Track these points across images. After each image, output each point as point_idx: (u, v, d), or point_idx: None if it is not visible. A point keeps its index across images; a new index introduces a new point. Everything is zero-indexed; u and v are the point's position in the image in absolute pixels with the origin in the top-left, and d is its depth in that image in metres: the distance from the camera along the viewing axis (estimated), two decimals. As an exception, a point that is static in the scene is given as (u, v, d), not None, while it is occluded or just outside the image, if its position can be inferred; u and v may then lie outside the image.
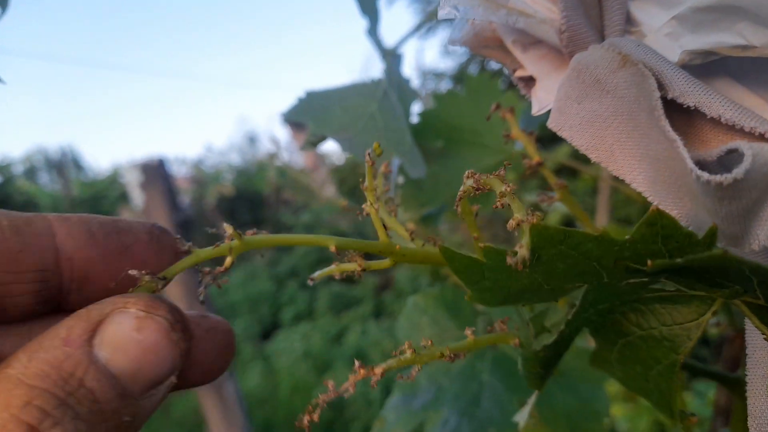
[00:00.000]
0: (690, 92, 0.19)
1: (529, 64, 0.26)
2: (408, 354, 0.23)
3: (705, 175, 0.16)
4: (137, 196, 2.82)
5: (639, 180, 0.21)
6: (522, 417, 0.32)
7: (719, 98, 0.19)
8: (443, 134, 0.61)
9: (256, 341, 4.63)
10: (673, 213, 0.19)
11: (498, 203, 0.20)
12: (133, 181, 2.80)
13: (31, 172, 7.80)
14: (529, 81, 0.28)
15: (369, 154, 0.27)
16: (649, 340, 0.24)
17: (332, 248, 0.26)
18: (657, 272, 0.18)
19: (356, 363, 0.22)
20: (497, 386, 0.49)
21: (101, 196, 7.10)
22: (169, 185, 2.77)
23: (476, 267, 0.20)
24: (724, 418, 0.73)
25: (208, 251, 0.24)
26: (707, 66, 0.24)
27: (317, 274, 0.30)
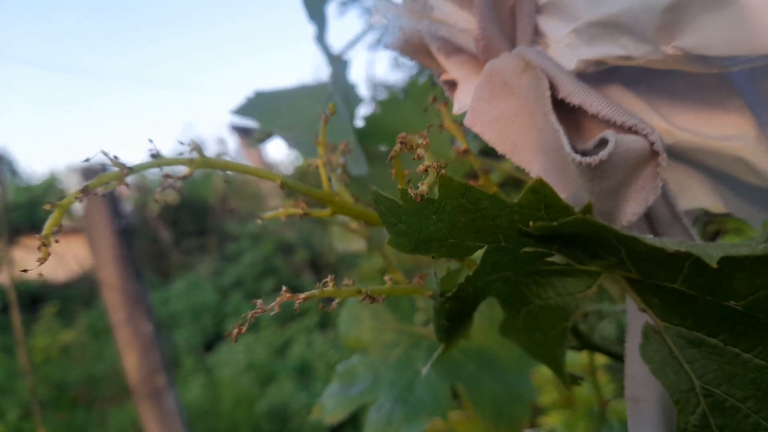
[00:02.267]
0: (575, 93, 0.23)
1: (452, 69, 0.30)
2: (330, 286, 0.26)
3: (578, 158, 0.20)
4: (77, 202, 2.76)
5: (536, 169, 0.25)
6: (426, 369, 0.35)
7: (598, 98, 0.22)
8: (386, 138, 0.64)
9: (198, 353, 4.56)
10: (562, 196, 0.23)
11: (416, 155, 0.23)
12: (72, 186, 2.75)
13: (-45, 176, 7.51)
14: (452, 84, 0.31)
15: (325, 113, 0.30)
16: (546, 309, 0.28)
17: (278, 183, 0.29)
18: (545, 238, 0.22)
19: (283, 288, 0.25)
20: (430, 374, 0.53)
21: (37, 201, 6.90)
22: (110, 192, 2.73)
23: (395, 208, 0.23)
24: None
25: (173, 159, 0.27)
26: (602, 74, 0.28)
27: (267, 214, 0.32)
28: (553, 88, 0.23)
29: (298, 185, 0.30)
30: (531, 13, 0.28)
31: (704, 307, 0.22)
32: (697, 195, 0.29)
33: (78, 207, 2.75)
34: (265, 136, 0.49)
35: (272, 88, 0.54)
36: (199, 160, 0.28)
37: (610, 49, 0.25)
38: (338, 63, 0.60)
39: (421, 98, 0.65)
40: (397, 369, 0.55)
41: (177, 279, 5.91)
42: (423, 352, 0.56)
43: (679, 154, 0.28)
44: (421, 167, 0.23)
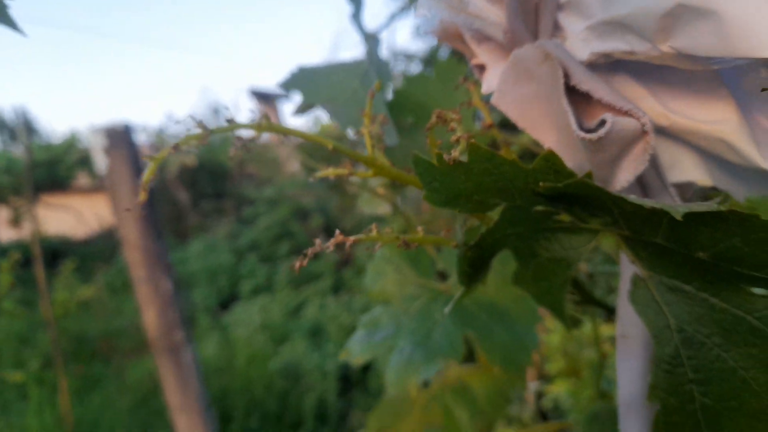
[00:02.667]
0: (584, 81, 0.28)
1: (482, 54, 0.35)
2: (374, 232, 0.31)
3: (581, 134, 0.25)
4: (101, 161, 2.83)
5: (549, 142, 0.30)
6: (448, 308, 0.41)
7: (602, 86, 0.28)
8: (413, 111, 0.70)
9: (213, 311, 4.66)
10: (568, 165, 0.28)
11: (449, 128, 0.29)
12: (96, 146, 2.81)
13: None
14: (481, 68, 0.37)
15: (373, 89, 0.35)
16: (553, 260, 0.33)
17: (330, 147, 0.34)
18: (553, 198, 0.27)
19: (337, 231, 0.30)
20: (447, 323, 0.59)
21: (58, 160, 7.00)
22: (133, 151, 2.79)
23: (431, 169, 0.28)
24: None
25: (244, 124, 0.32)
26: (611, 65, 0.33)
27: (318, 173, 0.35)
28: (566, 76, 0.29)
29: (346, 150, 0.35)
30: (552, 10, 0.33)
31: (680, 259, 0.28)
32: (687, 169, 0.34)
33: (102, 165, 2.82)
34: (308, 107, 0.55)
35: (313, 64, 0.59)
36: (266, 125, 0.34)
37: (617, 45, 0.30)
38: (372, 41, 0.65)
39: (447, 75, 0.70)
40: (417, 319, 0.61)
41: (194, 240, 6.01)
42: (441, 305, 0.62)
43: (673, 135, 0.33)
44: (454, 137, 0.28)
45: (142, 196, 0.32)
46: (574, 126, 0.26)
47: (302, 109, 0.54)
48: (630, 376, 0.31)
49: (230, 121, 0.32)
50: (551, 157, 0.25)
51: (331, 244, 0.30)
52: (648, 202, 0.23)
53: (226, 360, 3.80)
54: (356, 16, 0.63)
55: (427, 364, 0.54)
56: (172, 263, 2.88)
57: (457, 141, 0.28)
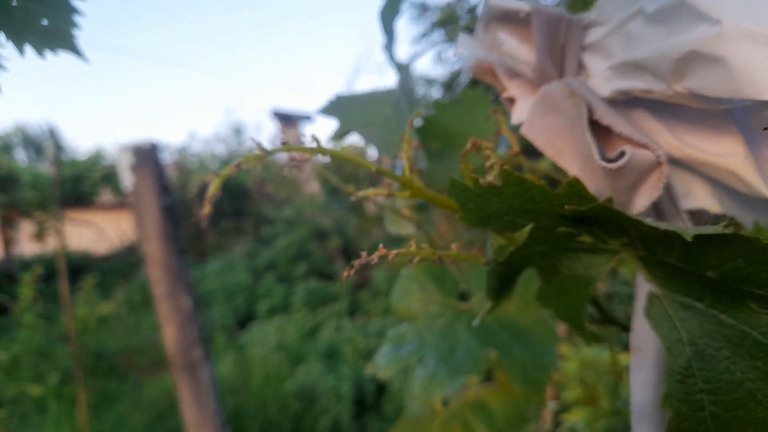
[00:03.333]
0: (606, 116, 0.31)
1: (512, 89, 0.39)
2: (413, 246, 0.34)
3: (603, 163, 0.29)
4: (127, 178, 2.89)
5: (573, 170, 0.33)
6: (477, 320, 0.44)
7: (622, 121, 0.31)
8: (441, 137, 0.73)
9: (230, 330, 4.68)
10: (591, 191, 0.31)
11: (484, 155, 0.32)
12: (123, 163, 2.88)
13: (8, 149, 7.74)
14: (511, 101, 0.40)
15: (412, 117, 0.38)
16: (574, 278, 0.36)
17: (374, 170, 0.37)
18: (576, 220, 0.31)
19: (380, 245, 0.33)
20: (470, 341, 0.62)
21: (83, 176, 7.12)
22: (159, 169, 2.85)
23: (467, 192, 0.31)
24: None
25: (297, 146, 0.35)
26: (629, 101, 0.37)
27: (361, 193, 0.38)
28: (590, 111, 0.32)
29: (387, 172, 0.39)
30: (577, 50, 0.37)
31: (691, 278, 0.31)
32: (699, 197, 0.37)
33: (128, 182, 2.88)
34: (344, 133, 0.59)
35: (349, 93, 0.64)
36: (317, 148, 0.37)
37: (636, 84, 0.34)
38: (404, 71, 0.69)
39: (474, 104, 0.74)
40: (441, 335, 0.64)
41: (213, 258, 6.07)
42: (464, 322, 0.65)
43: (687, 165, 0.36)
44: (488, 163, 0.31)
45: (207, 209, 0.35)
46: (596, 156, 0.29)
47: (339, 135, 0.58)
48: (643, 386, 0.33)
49: (285, 143, 0.36)
50: (576, 184, 0.29)
51: (375, 256, 0.33)
52: (662, 225, 0.26)
53: (242, 379, 3.81)
54: (389, 46, 0.67)
55: (451, 379, 0.57)
56: (192, 281, 2.92)
57: (491, 167, 0.31)
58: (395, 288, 0.68)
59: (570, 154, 0.33)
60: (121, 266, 6.33)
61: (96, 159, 7.46)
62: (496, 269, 0.35)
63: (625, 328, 0.49)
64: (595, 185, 0.32)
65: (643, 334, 0.34)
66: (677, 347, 0.32)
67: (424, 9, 6.12)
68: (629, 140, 0.30)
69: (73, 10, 0.53)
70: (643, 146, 0.30)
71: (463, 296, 0.74)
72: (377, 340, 3.92)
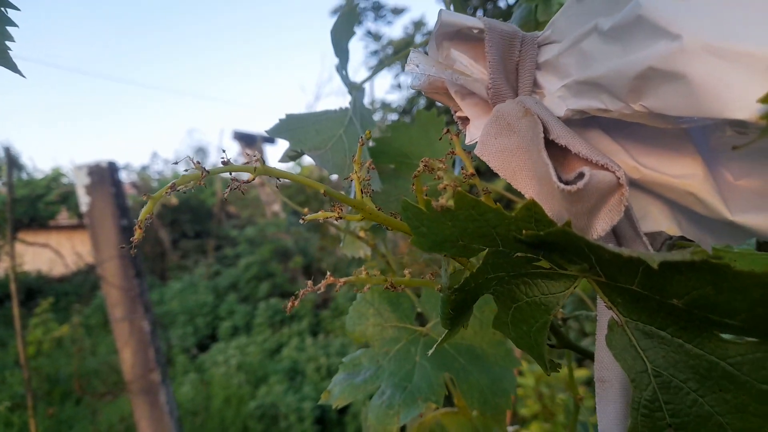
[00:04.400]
0: (562, 136, 0.30)
1: (466, 108, 0.37)
2: (363, 274, 0.32)
3: (561, 186, 0.27)
4: (83, 198, 2.82)
5: (529, 192, 0.32)
6: (431, 351, 0.42)
7: (580, 141, 0.29)
8: (395, 158, 0.72)
9: (190, 352, 4.61)
10: (548, 213, 0.30)
11: (436, 176, 0.30)
12: (79, 183, 2.81)
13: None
14: (465, 120, 0.39)
15: (362, 138, 0.36)
16: (532, 305, 0.35)
17: (322, 191, 0.35)
18: (534, 245, 0.29)
19: (328, 273, 0.31)
20: (426, 367, 0.60)
21: (39, 195, 6.95)
22: (117, 189, 2.79)
23: (420, 215, 0.30)
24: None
25: (238, 166, 0.33)
26: (585, 120, 0.35)
27: (310, 216, 0.36)
28: (546, 130, 0.30)
29: (337, 194, 0.37)
30: (531, 69, 0.35)
31: (655, 305, 0.29)
32: (657, 220, 0.36)
33: (84, 203, 2.81)
34: (296, 154, 0.57)
35: (300, 113, 0.61)
36: (261, 168, 0.35)
37: (592, 103, 0.32)
38: (357, 91, 0.67)
39: (427, 125, 0.73)
40: (397, 361, 0.61)
41: (174, 279, 5.97)
42: (420, 347, 0.63)
43: (644, 187, 0.35)
44: (441, 185, 0.30)
45: (138, 234, 0.32)
46: (553, 178, 0.28)
47: (290, 157, 0.56)
48: (610, 420, 0.32)
49: (226, 162, 0.34)
50: (533, 207, 0.27)
51: (322, 285, 0.31)
52: (625, 251, 0.24)
53: (202, 401, 3.75)
54: (342, 67, 0.66)
55: (407, 408, 0.55)
56: (150, 303, 2.85)
57: (444, 189, 0.29)
58: (350, 312, 0.66)
59: (526, 176, 0.32)
60: (79, 288, 6.18)
61: (54, 178, 7.28)
62: (450, 297, 0.33)
63: (583, 353, 0.48)
64: (553, 208, 0.30)
65: (608, 364, 0.32)
66: (642, 379, 0.30)
67: (377, 38, 6.20)
68: (587, 161, 0.29)
69: (7, 22, 0.50)
70: (603, 167, 0.28)
71: (421, 318, 0.72)
72: (339, 358, 3.89)
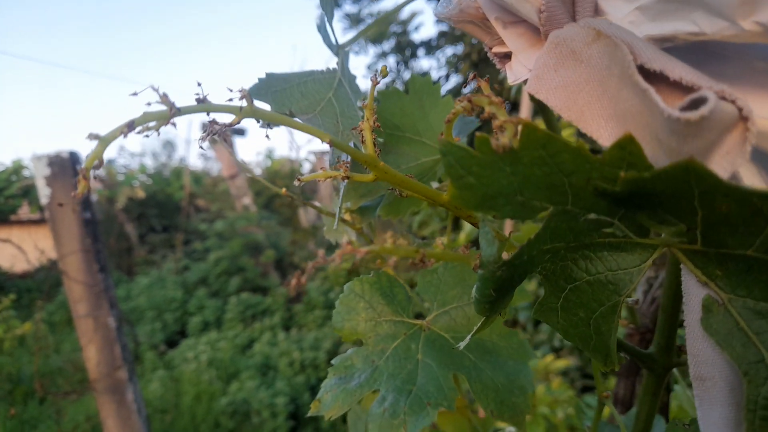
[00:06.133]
0: (656, 59, 0.22)
1: (509, 40, 0.30)
2: (389, 243, 0.25)
3: (676, 113, 0.20)
4: (43, 190, 2.69)
5: (604, 136, 0.24)
6: (463, 343, 0.34)
7: (680, 64, 0.22)
8: (385, 130, 0.64)
9: (159, 349, 4.50)
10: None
11: (486, 113, 0.23)
12: (39, 174, 2.68)
13: None
14: (504, 57, 0.31)
15: (376, 73, 0.29)
16: (595, 284, 0.28)
17: (327, 141, 0.28)
18: (619, 200, 0.22)
19: (345, 240, 0.24)
20: (431, 364, 0.52)
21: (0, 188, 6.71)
22: (101, 160, 2.66)
23: (467, 159, 0.22)
24: (623, 407, 0.79)
25: (220, 105, 0.26)
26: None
27: (306, 176, 0.31)
28: (631, 54, 0.23)
29: (345, 146, 0.30)
30: (592, -12, 0.28)
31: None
32: (744, 179, 0.29)
33: (44, 195, 2.68)
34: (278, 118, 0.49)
35: (282, 72, 0.54)
36: (248, 109, 0.27)
37: (679, 26, 0.25)
38: (343, 53, 0.59)
39: (422, 93, 0.65)
40: (397, 360, 0.54)
41: (141, 275, 5.82)
42: (422, 343, 0.55)
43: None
44: (496, 122, 0.22)
45: (82, 187, 0.25)
46: (661, 105, 0.20)
47: (271, 121, 0.48)
48: (716, 429, 0.25)
49: (202, 100, 0.26)
50: (627, 144, 0.20)
51: (337, 255, 0.23)
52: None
53: (172, 398, 3.65)
54: (326, 21, 0.58)
55: (415, 415, 0.47)
56: (116, 298, 2.74)
57: (501, 128, 0.22)
58: (337, 307, 0.58)
59: (599, 115, 0.24)
60: (42, 284, 6.00)
61: (14, 171, 7.03)
62: (495, 273, 0.26)
63: (643, 356, 0.41)
64: (647, 152, 0.23)
65: (707, 357, 0.25)
66: (758, 371, 0.23)
67: (356, 20, 6.12)
68: (693, 89, 0.22)
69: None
70: (719, 95, 0.21)
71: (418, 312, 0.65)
72: (313, 352, 3.83)
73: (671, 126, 0.20)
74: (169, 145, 8.77)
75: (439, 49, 5.68)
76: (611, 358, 0.29)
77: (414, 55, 5.93)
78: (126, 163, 8.29)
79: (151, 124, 0.25)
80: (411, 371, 0.53)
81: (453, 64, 5.37)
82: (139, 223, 6.92)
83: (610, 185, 0.21)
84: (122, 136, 0.24)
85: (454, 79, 5.42)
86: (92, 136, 0.23)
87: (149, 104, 0.24)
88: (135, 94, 0.25)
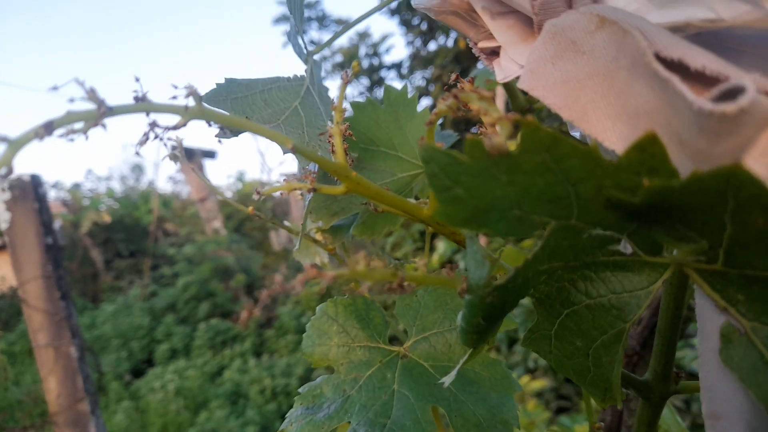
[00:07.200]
0: (674, 45, 0.19)
1: (497, 32, 0.27)
2: (361, 265, 0.21)
3: (709, 105, 0.17)
4: (2, 214, 2.61)
5: (612, 139, 0.21)
6: (449, 378, 0.30)
7: (702, 51, 0.19)
8: (359, 145, 0.60)
9: (125, 378, 4.37)
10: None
11: (475, 111, 0.20)
12: (-1, 199, 2.60)
13: None
14: (491, 54, 0.28)
15: (346, 72, 0.26)
16: (596, 309, 0.24)
17: (289, 146, 0.25)
18: (630, 214, 0.18)
19: (307, 264, 0.20)
20: (408, 396, 0.48)
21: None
22: (41, 205, 2.58)
23: (454, 167, 0.19)
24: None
25: (162, 104, 0.22)
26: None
27: (265, 189, 0.29)
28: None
29: (311, 154, 0.26)
30: (590, -25, 0.25)
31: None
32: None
33: (3, 220, 2.59)
34: (237, 129, 0.45)
35: (244, 78, 0.50)
36: (195, 109, 0.24)
37: (692, 12, 0.22)
38: (312, 61, 0.56)
39: (397, 104, 0.61)
40: (370, 390, 0.50)
41: (106, 302, 5.68)
42: (399, 371, 0.52)
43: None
44: (489, 119, 0.19)
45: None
46: (689, 96, 0.17)
47: (230, 132, 0.44)
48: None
49: (140, 99, 0.22)
50: (649, 145, 0.16)
51: (299, 281, 0.19)
52: None
53: (138, 431, 3.54)
54: (297, 30, 0.54)
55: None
56: (78, 327, 2.65)
57: (494, 126, 0.18)
58: (308, 331, 0.53)
59: (605, 114, 0.21)
60: (1, 313, 5.82)
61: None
62: (485, 300, 0.22)
63: (638, 384, 0.37)
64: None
65: (724, 393, 0.22)
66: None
67: (321, 22, 6.14)
68: (719, 80, 0.18)
69: None
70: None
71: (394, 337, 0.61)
72: (285, 379, 3.75)
73: (701, 122, 0.17)
74: (137, 169, 8.63)
75: (411, 71, 5.71)
76: (612, 393, 0.25)
77: (381, 82, 5.95)
78: (92, 187, 8.14)
79: (77, 125, 0.20)
80: (386, 402, 0.49)
81: (423, 89, 5.39)
82: (105, 248, 6.76)
83: (627, 195, 0.17)
84: (38, 139, 0.20)
85: (425, 102, 5.44)
86: (3, 140, 0.19)
87: (72, 101, 0.20)
88: (55, 88, 0.21)
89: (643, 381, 0.41)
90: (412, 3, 0.29)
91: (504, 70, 0.27)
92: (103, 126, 0.21)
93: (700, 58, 0.19)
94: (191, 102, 0.23)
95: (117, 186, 8.28)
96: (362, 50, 5.64)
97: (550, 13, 0.24)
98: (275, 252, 6.14)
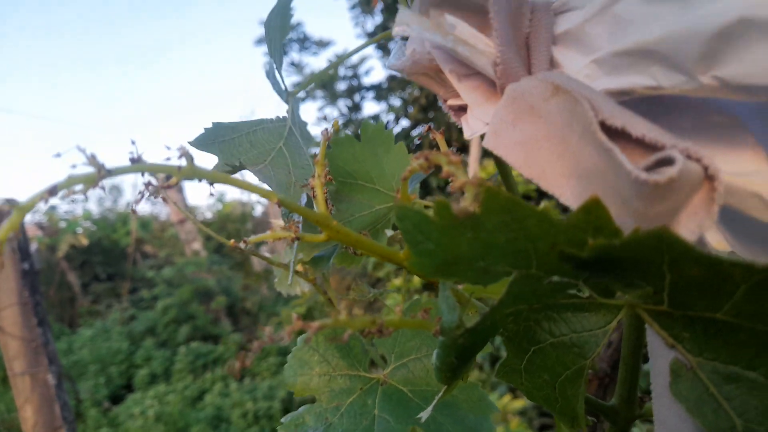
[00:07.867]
0: (617, 115, 0.22)
1: (464, 93, 0.29)
2: (343, 315, 0.23)
3: (643, 175, 0.19)
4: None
5: (566, 195, 0.24)
6: (426, 413, 0.33)
7: (642, 120, 0.22)
8: (337, 178, 0.62)
9: (103, 405, 4.30)
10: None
11: (444, 173, 0.22)
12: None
13: None
14: (459, 110, 0.30)
15: (327, 129, 0.28)
16: (559, 346, 0.26)
17: (275, 201, 0.27)
18: (583, 264, 0.21)
19: (294, 315, 0.22)
20: (389, 420, 0.50)
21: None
22: (18, 230, 2.56)
23: (425, 224, 0.21)
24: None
25: (157, 165, 0.24)
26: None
27: (252, 238, 0.31)
28: (592, 110, 0.23)
29: (296, 206, 0.28)
30: (547, 43, 0.28)
31: (744, 338, 0.21)
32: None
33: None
34: (234, 168, 0.47)
35: (229, 121, 0.52)
36: (188, 169, 0.26)
37: (636, 80, 0.25)
38: (294, 100, 0.58)
39: (374, 139, 0.64)
40: (352, 417, 0.52)
41: (84, 326, 5.60)
42: (379, 397, 0.54)
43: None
44: (456, 184, 0.21)
45: None
46: (628, 166, 0.20)
47: (229, 171, 0.46)
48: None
49: (136, 160, 0.24)
50: (594, 208, 0.19)
51: (287, 332, 0.21)
52: (759, 263, 0.17)
53: (117, 459, 3.49)
54: (275, 69, 0.57)
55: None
56: (56, 353, 2.62)
57: (461, 188, 0.21)
58: (290, 361, 0.55)
59: (560, 174, 0.23)
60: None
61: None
62: (457, 340, 0.25)
63: (604, 409, 0.40)
64: (612, 213, 0.22)
65: (674, 425, 0.24)
66: (729, 441, 0.22)
67: (299, 68, 6.18)
68: (656, 147, 0.21)
69: None
70: (683, 154, 0.20)
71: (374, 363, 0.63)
72: (267, 402, 3.73)
73: (638, 188, 0.20)
74: (115, 190, 8.58)
75: (390, 92, 5.76)
76: (578, 421, 0.28)
77: (360, 103, 6.00)
78: (69, 209, 8.06)
79: (78, 187, 0.22)
80: (367, 427, 0.51)
81: (402, 110, 5.45)
82: (82, 272, 6.69)
83: (576, 250, 0.20)
84: (43, 202, 0.22)
85: (404, 122, 5.50)
86: (9, 203, 0.21)
87: (74, 167, 0.22)
88: (58, 155, 0.23)
89: (610, 406, 0.44)
90: (386, 65, 0.31)
91: (471, 127, 0.29)
92: (102, 188, 0.23)
93: (639, 127, 0.21)
94: (183, 162, 0.25)
95: (94, 208, 8.21)
96: (341, 71, 5.70)
97: (510, 77, 0.27)
98: (256, 273, 6.12)
